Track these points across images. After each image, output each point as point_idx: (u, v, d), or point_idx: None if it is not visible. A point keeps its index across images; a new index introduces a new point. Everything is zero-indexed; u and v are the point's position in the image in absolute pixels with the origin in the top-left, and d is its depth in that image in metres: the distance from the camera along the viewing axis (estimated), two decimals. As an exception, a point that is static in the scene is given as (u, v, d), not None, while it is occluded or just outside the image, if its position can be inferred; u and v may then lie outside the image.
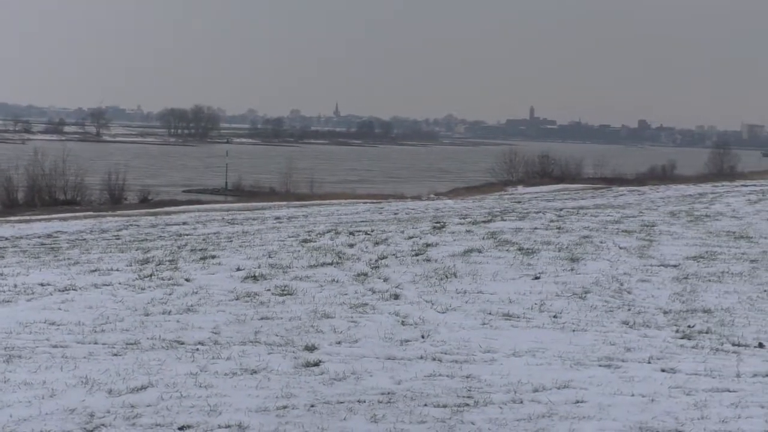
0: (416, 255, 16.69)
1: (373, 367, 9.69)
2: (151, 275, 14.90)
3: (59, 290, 13.67)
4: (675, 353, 10.47)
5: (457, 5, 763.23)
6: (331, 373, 9.41)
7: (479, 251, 16.88)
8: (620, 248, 17.36)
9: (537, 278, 14.72)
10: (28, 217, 42.32)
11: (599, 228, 20.25)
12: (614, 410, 8.24)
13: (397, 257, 16.49)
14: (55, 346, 10.41)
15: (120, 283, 14.18)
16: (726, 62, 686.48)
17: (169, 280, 14.49)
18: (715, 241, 18.56)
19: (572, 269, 15.40)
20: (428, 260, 16.18)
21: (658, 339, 11.15)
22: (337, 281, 14.48)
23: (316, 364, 9.73)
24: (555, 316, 12.32)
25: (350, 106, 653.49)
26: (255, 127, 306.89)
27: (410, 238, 18.83)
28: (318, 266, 15.65)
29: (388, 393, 8.73)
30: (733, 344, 10.96)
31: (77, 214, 43.89)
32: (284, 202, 51.55)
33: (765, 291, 14.04)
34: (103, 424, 7.75)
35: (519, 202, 39.79)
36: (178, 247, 19.17)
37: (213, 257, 16.75)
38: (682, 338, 11.25)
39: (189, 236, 23.87)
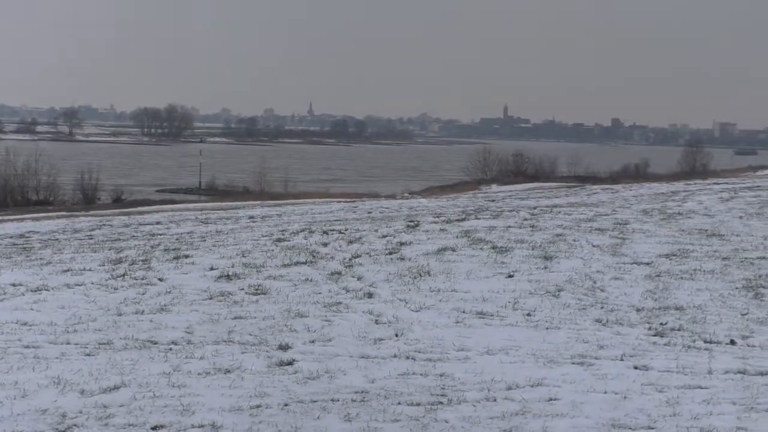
0: (390, 254, 16.69)
1: (346, 365, 9.69)
2: (124, 275, 14.85)
3: (31, 290, 13.60)
4: (647, 350, 10.51)
5: (430, 4, 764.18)
6: (305, 372, 9.40)
7: (453, 250, 16.90)
8: (593, 246, 17.42)
9: (510, 276, 14.74)
10: (0, 218, 42.05)
11: (573, 226, 20.31)
12: (587, 407, 8.27)
13: (371, 256, 16.49)
14: (27, 347, 10.35)
15: (93, 283, 14.12)
16: (698, 62, 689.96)
17: (142, 279, 14.43)
18: (687, 239, 18.65)
19: (546, 267, 15.44)
20: (402, 259, 16.19)
21: (630, 336, 11.20)
22: (310, 280, 14.46)
23: (290, 363, 9.72)
24: (528, 314, 12.35)
25: (324, 105, 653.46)
26: (229, 126, 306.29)
27: (384, 236, 18.83)
28: (292, 265, 15.63)
29: (362, 392, 8.73)
30: (705, 341, 11.02)
31: (50, 214, 43.67)
32: (258, 202, 51.48)
33: (736, 288, 14.12)
34: (75, 425, 7.72)
35: (493, 200, 39.86)
36: (152, 247, 19.10)
37: (186, 257, 16.70)
38: (654, 336, 11.30)
39: (162, 236, 23.79)
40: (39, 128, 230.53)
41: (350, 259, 16.17)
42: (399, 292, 13.67)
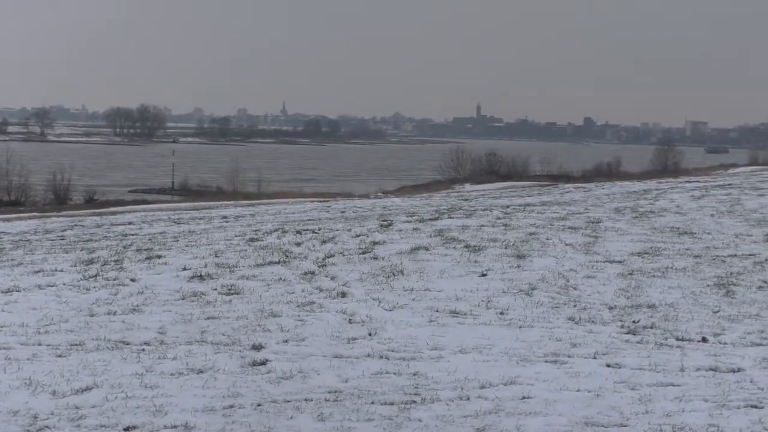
0: (363, 253, 16.69)
1: (320, 365, 9.68)
2: (96, 276, 14.78)
3: (2, 291, 13.51)
4: (620, 348, 10.56)
5: (402, 5, 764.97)
6: (278, 371, 9.39)
7: (426, 249, 16.92)
8: (566, 245, 17.47)
9: (484, 275, 14.77)
10: (-29, 219, 41.75)
11: (545, 225, 20.37)
12: (560, 405, 8.30)
13: (344, 255, 16.48)
14: (-2, 348, 10.29)
15: (64, 284, 14.05)
16: (670, 61, 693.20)
17: (114, 280, 14.37)
18: (659, 237, 18.74)
19: (519, 266, 15.48)
20: (375, 258, 16.19)
21: (603, 334, 11.24)
22: (284, 280, 14.44)
23: (263, 363, 9.70)
24: (501, 313, 12.37)
25: (297, 105, 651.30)
26: (202, 126, 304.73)
27: (357, 236, 18.83)
28: (265, 265, 15.60)
29: (335, 391, 8.73)
30: (677, 339, 11.08)
31: (21, 214, 43.41)
32: (231, 202, 51.35)
33: (708, 286, 14.20)
34: (47, 426, 7.68)
35: (466, 199, 39.91)
36: (124, 247, 19.02)
37: (159, 257, 16.63)
38: (627, 333, 11.35)
39: (135, 236, 23.70)
40: (10, 128, 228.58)
41: (323, 259, 16.16)
42: (372, 291, 13.67)
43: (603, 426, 7.78)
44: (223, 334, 10.99)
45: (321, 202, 45.83)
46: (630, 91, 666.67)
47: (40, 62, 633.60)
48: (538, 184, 63.34)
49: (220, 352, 10.20)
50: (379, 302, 12.92)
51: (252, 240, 19.03)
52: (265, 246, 17.81)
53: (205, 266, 15.46)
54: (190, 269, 15.19)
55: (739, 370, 9.65)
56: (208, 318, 11.86)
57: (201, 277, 14.55)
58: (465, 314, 12.29)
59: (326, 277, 14.74)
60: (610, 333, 11.34)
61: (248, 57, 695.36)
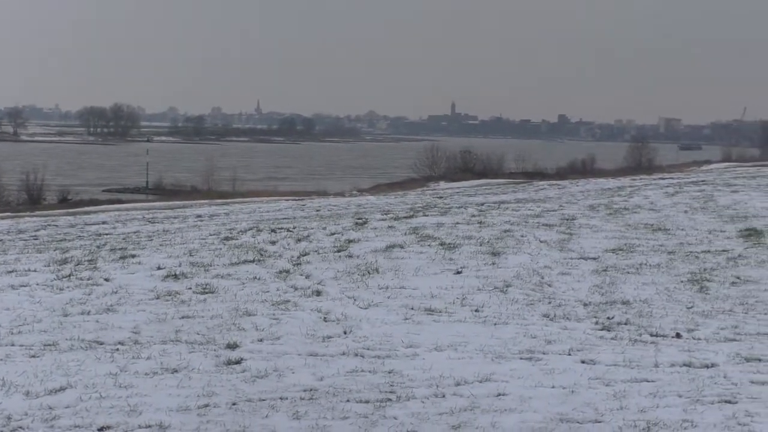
0: (338, 251, 16.67)
1: (295, 363, 9.66)
2: (69, 275, 14.70)
3: (-25, 292, 13.42)
4: (594, 345, 10.59)
5: (375, 5, 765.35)
6: (253, 370, 9.37)
7: (401, 247, 16.92)
8: (541, 242, 17.51)
9: (459, 273, 14.79)
10: (-57, 219, 41.47)
11: (520, 222, 20.40)
12: (535, 402, 8.31)
13: (319, 254, 16.46)
14: (-30, 349, 10.22)
15: (38, 284, 13.97)
16: (644, 58, 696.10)
17: (88, 280, 14.30)
18: (633, 234, 18.81)
19: (493, 263, 15.50)
20: (350, 256, 16.18)
21: (578, 331, 11.27)
22: (258, 279, 14.41)
23: (238, 362, 9.68)
24: (477, 310, 12.39)
25: (272, 104, 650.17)
26: (176, 125, 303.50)
27: (332, 234, 18.81)
28: (240, 264, 15.56)
29: (311, 389, 8.72)
30: (651, 335, 11.12)
31: (-6, 214, 43.13)
32: (206, 201, 51.18)
33: (682, 282, 14.27)
34: (20, 427, 7.63)
35: (441, 197, 39.94)
36: (98, 247, 18.94)
37: (133, 256, 16.56)
38: (601, 330, 11.38)
39: (108, 236, 23.59)
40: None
41: (298, 257, 16.14)
42: (347, 289, 13.66)
43: (578, 422, 7.80)
44: (198, 334, 10.95)
45: (296, 200, 45.76)
46: (604, 89, 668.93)
47: (12, 62, 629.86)
48: (512, 181, 63.46)
49: (195, 351, 10.17)
50: (354, 300, 12.91)
51: (227, 239, 18.99)
52: (239, 245, 17.77)
53: (180, 265, 15.40)
54: (164, 268, 15.14)
55: (712, 365, 9.69)
56: (183, 317, 11.82)
57: (175, 277, 14.50)
58: (440, 312, 12.29)
59: (301, 275, 14.72)
60: (585, 329, 11.37)
61: (221, 56, 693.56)
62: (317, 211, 32.30)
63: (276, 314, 12.00)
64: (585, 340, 10.83)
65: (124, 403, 8.24)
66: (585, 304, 12.84)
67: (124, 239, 21.44)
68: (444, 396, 8.52)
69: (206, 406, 8.18)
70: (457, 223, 20.31)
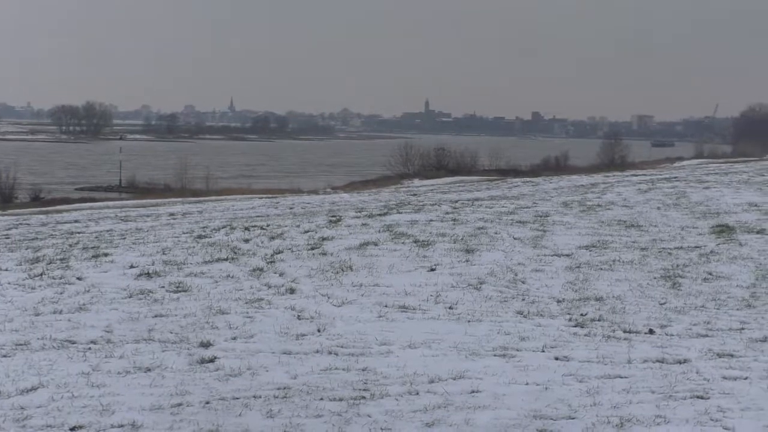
0: (312, 249, 16.65)
1: (268, 362, 9.64)
2: (41, 274, 14.62)
3: (-54, 291, 13.33)
4: (568, 341, 10.61)
5: (349, 4, 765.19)
6: (227, 369, 9.34)
7: (375, 244, 16.91)
8: (514, 239, 17.54)
9: (433, 270, 14.79)
10: None
11: (494, 219, 20.43)
12: (509, 399, 8.32)
13: (293, 251, 16.44)
14: (-59, 349, 10.14)
15: (9, 283, 13.89)
16: (617, 56, 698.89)
17: (60, 279, 14.23)
18: (606, 230, 18.87)
19: (467, 260, 15.52)
20: (324, 254, 16.16)
21: (551, 328, 11.29)
22: (232, 277, 14.37)
23: (211, 361, 9.65)
24: (450, 308, 12.39)
25: (245, 101, 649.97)
26: (149, 123, 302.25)
27: (306, 232, 18.78)
28: (213, 262, 15.52)
29: (284, 388, 8.70)
30: (625, 331, 11.16)
31: (-35, 213, 42.83)
32: (179, 199, 50.97)
33: (655, 278, 14.32)
34: (-9, 427, 7.58)
35: (415, 194, 39.95)
36: (70, 246, 18.84)
37: (105, 255, 16.49)
38: (575, 326, 11.41)
39: (81, 234, 23.46)
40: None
41: (272, 255, 16.10)
42: (321, 287, 13.64)
43: (551, 419, 7.82)
44: (171, 332, 10.91)
45: (269, 198, 45.62)
46: (577, 87, 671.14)
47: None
48: (486, 178, 63.53)
49: (168, 350, 10.13)
50: (328, 298, 12.89)
51: (200, 237, 18.93)
52: (213, 243, 17.71)
53: (153, 264, 15.34)
54: (137, 267, 15.08)
55: (685, 361, 9.74)
56: (156, 316, 11.78)
57: (148, 275, 14.45)
58: (414, 309, 12.29)
59: (275, 273, 14.69)
60: (559, 326, 11.40)
61: (194, 54, 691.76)
62: (291, 208, 32.24)
63: (249, 312, 11.97)
64: (558, 336, 10.85)
65: (96, 402, 8.20)
66: (558, 301, 12.87)
67: (96, 238, 21.33)
68: (418, 393, 8.52)
69: (179, 405, 8.15)
70: (431, 220, 20.32)
